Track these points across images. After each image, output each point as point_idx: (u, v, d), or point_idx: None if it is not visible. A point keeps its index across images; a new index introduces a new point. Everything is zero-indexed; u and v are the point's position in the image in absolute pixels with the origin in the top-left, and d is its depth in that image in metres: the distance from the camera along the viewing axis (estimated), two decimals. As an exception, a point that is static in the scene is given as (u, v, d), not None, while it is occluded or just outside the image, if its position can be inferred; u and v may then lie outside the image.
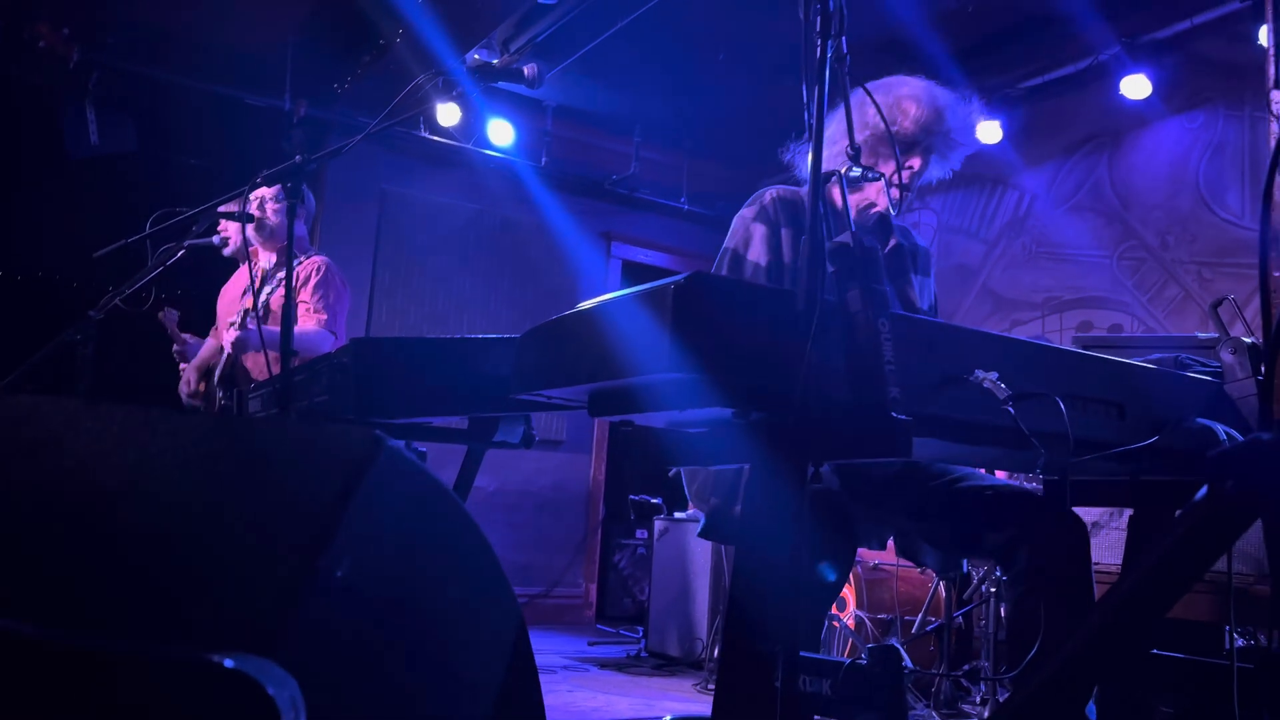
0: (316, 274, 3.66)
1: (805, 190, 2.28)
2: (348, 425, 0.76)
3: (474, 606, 0.81)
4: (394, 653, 0.73)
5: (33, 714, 0.53)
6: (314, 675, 0.64)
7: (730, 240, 2.18)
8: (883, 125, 2.08)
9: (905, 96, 2.19)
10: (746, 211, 2.20)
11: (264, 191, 3.65)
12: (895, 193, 2.21)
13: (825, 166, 2.23)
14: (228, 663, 0.49)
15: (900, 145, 2.17)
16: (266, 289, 3.67)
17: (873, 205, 2.24)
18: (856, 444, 1.35)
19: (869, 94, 1.89)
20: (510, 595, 0.89)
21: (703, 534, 2.14)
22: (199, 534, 0.73)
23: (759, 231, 2.15)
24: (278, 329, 3.43)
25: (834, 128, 2.21)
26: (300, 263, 3.65)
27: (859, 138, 2.19)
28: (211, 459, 0.78)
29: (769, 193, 2.21)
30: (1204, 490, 1.07)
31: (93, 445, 0.84)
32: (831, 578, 1.85)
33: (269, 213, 3.69)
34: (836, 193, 2.27)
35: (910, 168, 2.20)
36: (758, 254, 2.13)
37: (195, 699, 0.50)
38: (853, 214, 2.26)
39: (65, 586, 0.70)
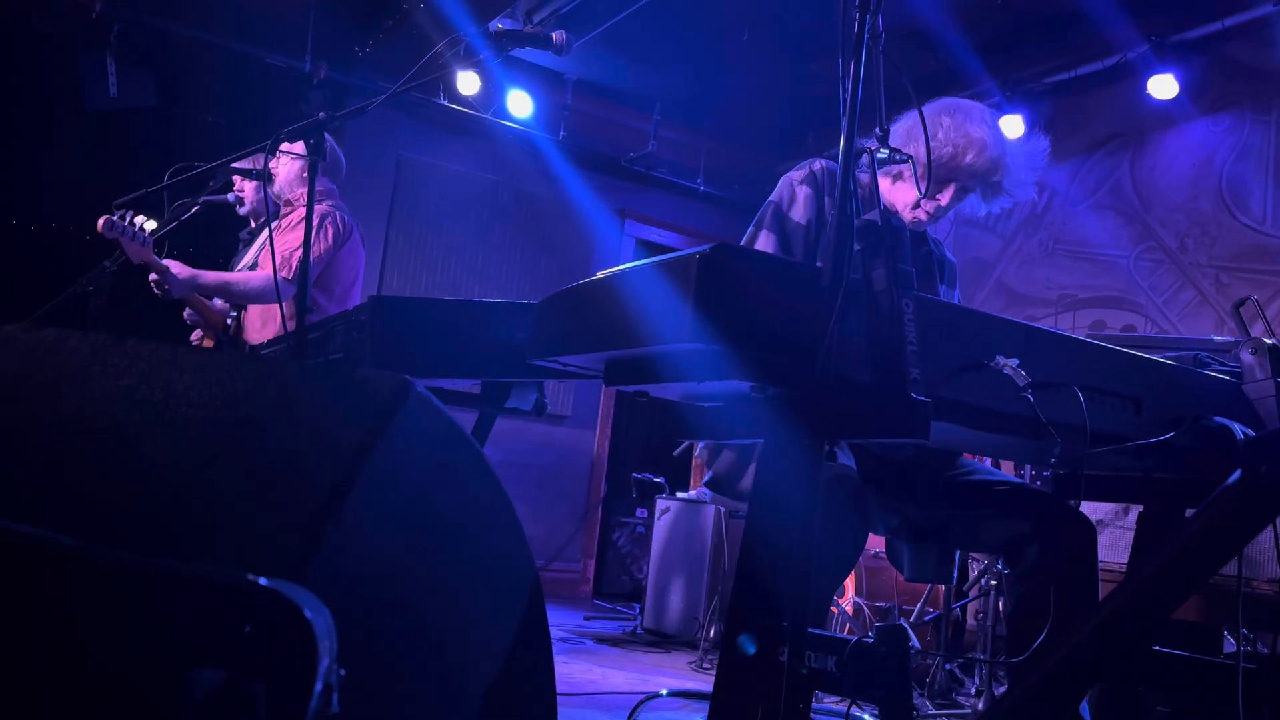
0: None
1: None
2: (377, 370, 0.76)
3: (492, 553, 0.81)
4: (412, 592, 0.73)
5: (62, 621, 0.53)
6: (335, 610, 0.64)
7: (775, 196, 2.19)
8: (932, 151, 2.01)
9: (974, 138, 2.10)
10: (795, 174, 2.20)
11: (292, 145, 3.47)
12: (920, 214, 2.19)
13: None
14: (263, 581, 0.49)
15: (939, 177, 2.13)
16: (257, 243, 3.57)
17: (896, 213, 2.23)
18: (874, 423, 1.34)
19: (922, 118, 1.81)
20: (525, 546, 0.89)
21: (709, 484, 2.13)
22: (224, 470, 0.73)
23: (804, 193, 2.17)
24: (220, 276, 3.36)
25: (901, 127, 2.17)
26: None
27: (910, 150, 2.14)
28: (238, 398, 0.78)
29: (817, 162, 2.23)
30: (1236, 475, 1.06)
31: (119, 380, 0.84)
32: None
33: (278, 164, 3.52)
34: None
35: (937, 201, 2.17)
36: (800, 213, 2.14)
37: (235, 618, 0.50)
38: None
39: (88, 510, 0.70)
